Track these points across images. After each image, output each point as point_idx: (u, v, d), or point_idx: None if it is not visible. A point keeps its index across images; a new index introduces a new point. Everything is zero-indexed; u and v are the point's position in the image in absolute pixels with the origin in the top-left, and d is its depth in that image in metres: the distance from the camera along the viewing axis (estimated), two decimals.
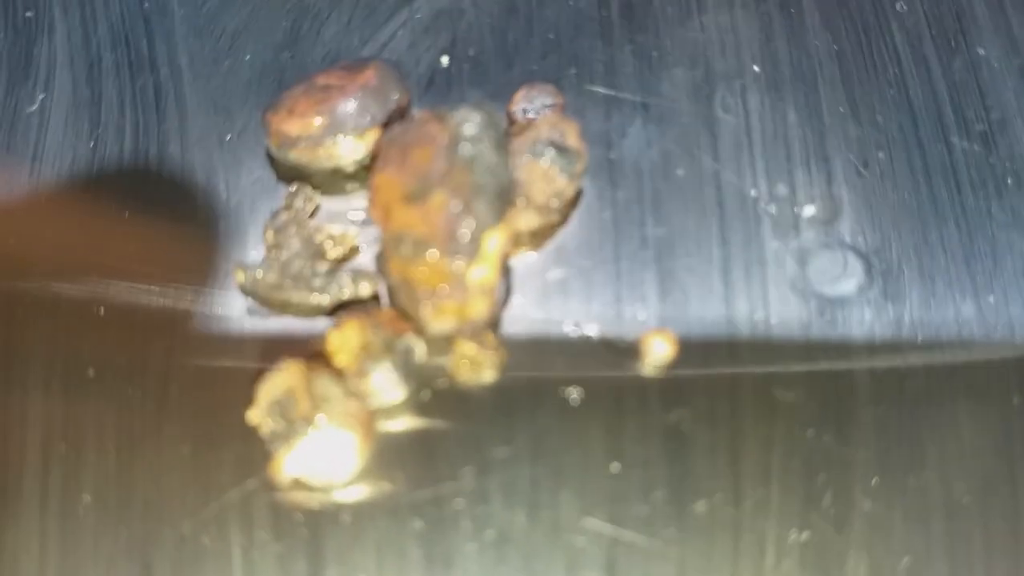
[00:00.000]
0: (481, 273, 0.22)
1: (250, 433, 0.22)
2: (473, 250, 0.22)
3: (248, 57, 0.28)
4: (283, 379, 0.21)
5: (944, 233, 0.26)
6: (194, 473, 0.23)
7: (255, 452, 0.22)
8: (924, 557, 0.22)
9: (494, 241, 0.22)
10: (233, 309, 0.24)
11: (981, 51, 0.28)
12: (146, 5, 0.28)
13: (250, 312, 0.24)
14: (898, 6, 0.29)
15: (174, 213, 0.25)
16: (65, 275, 0.25)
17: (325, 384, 0.22)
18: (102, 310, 0.24)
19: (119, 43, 0.28)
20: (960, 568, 0.22)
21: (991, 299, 0.25)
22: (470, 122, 0.22)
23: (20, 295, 0.24)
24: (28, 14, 0.28)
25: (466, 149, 0.22)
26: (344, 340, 0.22)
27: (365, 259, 0.25)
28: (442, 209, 0.22)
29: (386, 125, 0.24)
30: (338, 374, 0.22)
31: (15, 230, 0.25)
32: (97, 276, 0.24)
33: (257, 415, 0.22)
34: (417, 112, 0.24)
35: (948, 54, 0.28)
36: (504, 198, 0.22)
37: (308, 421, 0.21)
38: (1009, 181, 0.26)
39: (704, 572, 0.22)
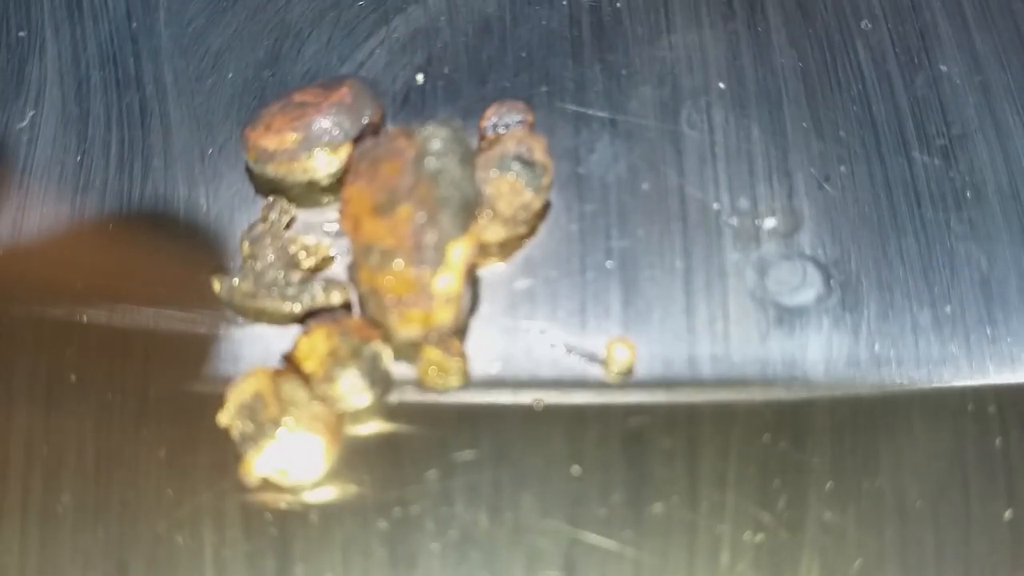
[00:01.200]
0: (446, 282, 0.23)
1: (223, 438, 0.23)
2: (438, 259, 0.23)
3: (231, 75, 0.29)
4: (251, 383, 0.22)
5: (903, 245, 0.26)
6: (169, 475, 0.23)
7: (228, 456, 0.23)
8: (876, 560, 0.23)
9: (458, 251, 0.23)
10: (210, 317, 0.25)
11: (944, 68, 0.29)
12: (134, 25, 0.30)
13: (227, 320, 0.25)
14: (863, 24, 0.30)
15: (156, 225, 0.26)
16: (48, 284, 0.25)
17: (292, 388, 0.22)
18: (84, 318, 0.25)
19: (107, 62, 0.29)
20: (911, 571, 0.23)
21: (948, 309, 0.26)
22: (436, 138, 0.23)
23: (5, 303, 0.25)
24: (21, 34, 0.29)
25: (432, 163, 0.23)
26: (312, 346, 0.23)
27: (338, 269, 0.25)
28: (408, 220, 0.23)
29: (359, 140, 0.25)
30: (305, 379, 0.23)
31: (4, 244, 0.26)
32: (80, 285, 0.25)
33: (226, 417, 0.22)
34: (390, 128, 0.25)
35: (911, 71, 0.29)
36: (469, 210, 0.23)
37: (276, 424, 0.22)
38: (968, 194, 0.27)
39: (660, 572, 0.23)
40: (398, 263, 0.23)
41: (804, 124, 0.28)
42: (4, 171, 0.27)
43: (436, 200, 0.23)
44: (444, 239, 0.23)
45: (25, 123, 0.28)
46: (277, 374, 0.23)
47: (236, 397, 0.22)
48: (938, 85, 0.29)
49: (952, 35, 0.29)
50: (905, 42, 0.29)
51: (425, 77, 0.28)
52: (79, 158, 0.27)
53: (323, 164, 0.25)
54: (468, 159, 0.24)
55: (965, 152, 0.28)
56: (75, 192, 0.27)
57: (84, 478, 0.24)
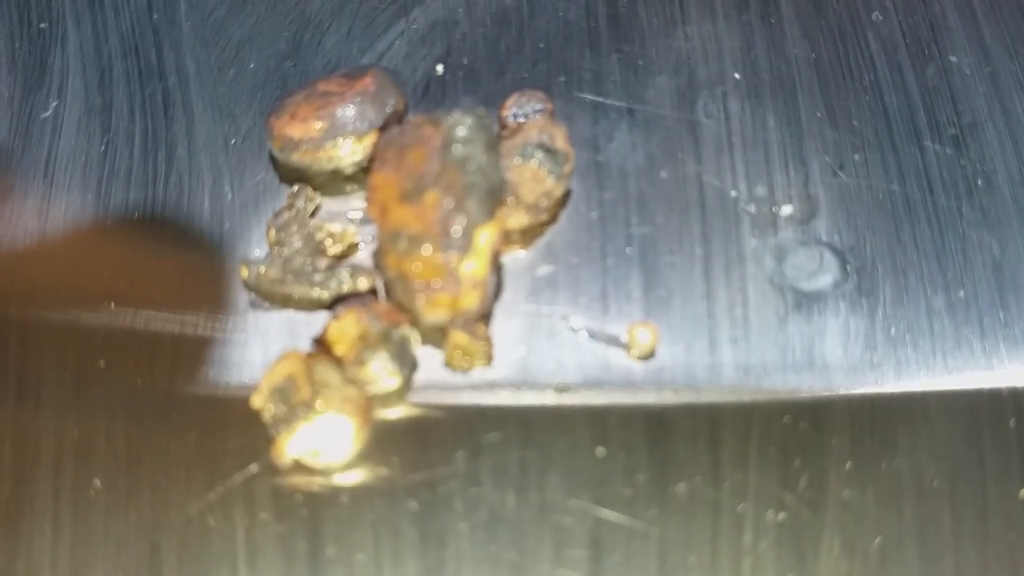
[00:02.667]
0: (472, 267, 0.23)
1: (253, 421, 0.24)
2: (465, 245, 0.23)
3: (252, 65, 0.29)
4: (284, 367, 0.23)
5: (917, 231, 0.27)
6: (199, 459, 0.24)
7: (257, 439, 0.24)
8: (895, 538, 0.24)
9: (485, 237, 0.23)
10: (237, 304, 0.25)
11: (953, 58, 0.29)
12: (155, 16, 0.30)
13: (254, 306, 0.25)
14: (874, 16, 0.30)
15: (181, 213, 0.27)
16: (76, 271, 0.26)
17: (324, 371, 0.23)
18: (112, 304, 0.25)
19: (129, 52, 0.29)
20: (930, 548, 0.24)
21: (961, 294, 0.26)
22: (462, 125, 0.24)
23: (35, 291, 0.26)
24: (42, 25, 0.30)
25: (458, 150, 0.23)
26: (343, 331, 0.23)
27: (363, 255, 0.26)
28: (436, 207, 0.23)
29: (383, 129, 0.26)
30: (337, 363, 0.23)
31: (32, 233, 0.26)
32: (107, 273, 0.26)
33: (260, 400, 0.23)
34: (413, 116, 0.25)
35: (922, 62, 0.29)
36: (495, 196, 0.24)
37: (308, 406, 0.22)
38: (979, 182, 0.28)
39: (684, 550, 0.23)
40: (426, 248, 0.23)
41: (818, 113, 0.28)
42: (29, 162, 0.27)
43: (463, 186, 0.23)
44: (471, 225, 0.23)
45: (49, 113, 0.28)
46: (309, 357, 0.23)
47: (269, 380, 0.23)
48: (948, 76, 0.29)
49: (961, 26, 0.30)
50: (915, 33, 0.30)
51: (445, 68, 0.29)
52: (103, 148, 0.28)
53: (348, 152, 0.26)
54: (493, 146, 0.24)
55: (976, 141, 0.28)
56: (100, 181, 0.27)
57: (115, 462, 0.24)
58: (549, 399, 0.24)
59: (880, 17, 0.30)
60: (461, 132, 0.24)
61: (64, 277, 0.26)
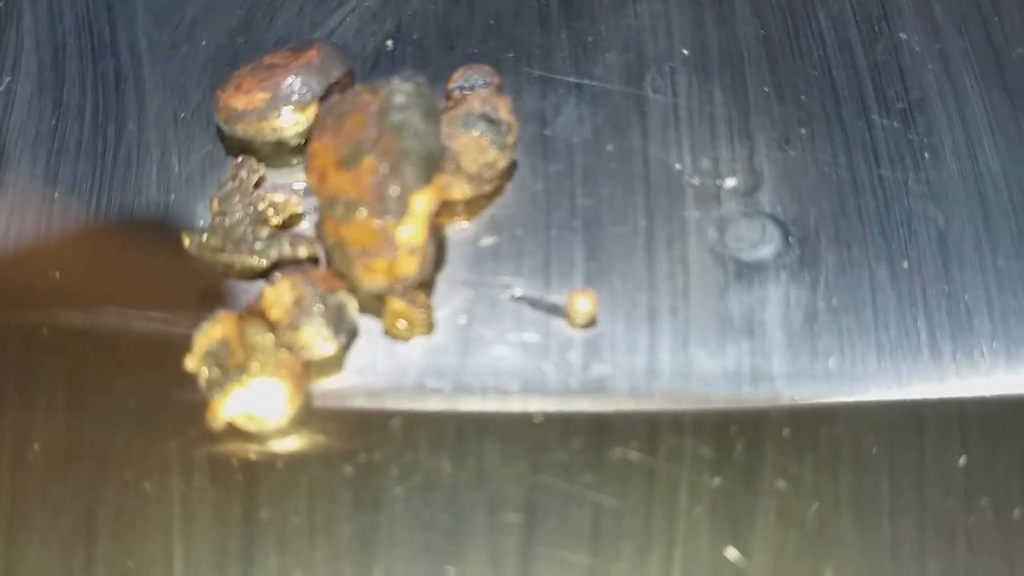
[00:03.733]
0: (409, 232, 0.23)
1: (191, 389, 0.24)
2: (401, 210, 0.23)
3: (204, 42, 0.29)
4: (217, 329, 0.23)
5: (862, 203, 0.27)
6: (138, 425, 0.24)
7: (196, 407, 0.24)
8: (832, 506, 0.24)
9: (421, 202, 0.23)
10: (180, 273, 0.26)
11: (903, 35, 0.30)
12: None
13: (196, 275, 0.25)
14: None
15: (129, 186, 0.27)
16: (23, 241, 0.26)
17: (257, 334, 0.23)
18: (57, 274, 0.25)
19: (83, 30, 0.30)
20: (867, 516, 0.24)
21: (905, 265, 0.26)
22: (400, 92, 0.24)
23: None
24: None
25: (395, 116, 0.24)
26: (278, 295, 0.23)
27: (307, 226, 0.26)
28: (372, 172, 0.23)
29: (326, 98, 0.26)
30: (270, 326, 0.23)
31: None
32: (53, 243, 0.26)
33: (193, 363, 0.23)
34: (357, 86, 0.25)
35: (871, 38, 0.30)
36: (431, 162, 0.24)
37: (242, 369, 0.22)
38: (926, 155, 0.28)
39: (619, 515, 0.23)
40: (361, 212, 0.23)
41: (766, 89, 0.28)
42: None
43: (399, 152, 0.23)
44: (407, 190, 0.23)
45: (1, 88, 0.28)
46: (242, 319, 0.23)
47: (202, 342, 0.23)
48: (898, 52, 0.29)
49: (912, 4, 0.30)
50: (866, 11, 0.30)
51: (395, 43, 0.29)
52: (54, 122, 0.28)
53: (291, 122, 0.26)
54: (432, 114, 0.24)
55: (924, 115, 0.28)
56: (49, 154, 0.27)
57: (54, 428, 0.24)
58: (488, 366, 0.24)
59: None
60: (399, 99, 0.24)
61: (9, 246, 0.26)
